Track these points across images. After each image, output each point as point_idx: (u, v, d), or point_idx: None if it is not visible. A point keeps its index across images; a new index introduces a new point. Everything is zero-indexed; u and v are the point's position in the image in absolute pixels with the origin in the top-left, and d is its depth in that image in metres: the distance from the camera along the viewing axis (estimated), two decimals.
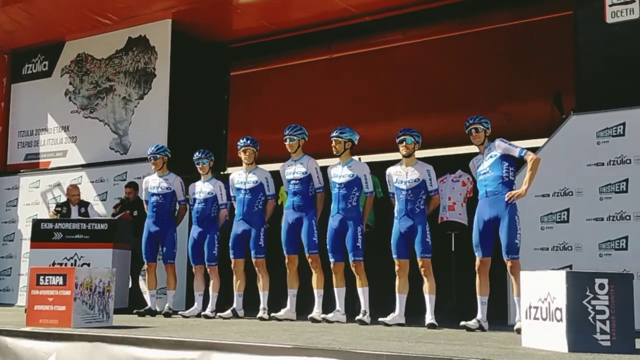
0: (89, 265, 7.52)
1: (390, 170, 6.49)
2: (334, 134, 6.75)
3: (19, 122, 11.21)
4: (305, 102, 11.43)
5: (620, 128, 6.60)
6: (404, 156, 6.38)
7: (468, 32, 9.73)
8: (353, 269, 6.57)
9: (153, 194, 7.69)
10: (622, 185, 6.50)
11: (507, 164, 5.83)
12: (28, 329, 5.33)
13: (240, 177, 7.28)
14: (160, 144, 8.11)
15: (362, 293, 6.54)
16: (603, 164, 6.62)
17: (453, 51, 10.26)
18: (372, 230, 7.23)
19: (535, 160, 5.76)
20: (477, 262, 5.86)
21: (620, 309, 4.00)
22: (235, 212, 7.32)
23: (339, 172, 6.69)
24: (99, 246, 7.85)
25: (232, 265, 7.27)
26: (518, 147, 5.83)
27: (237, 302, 7.22)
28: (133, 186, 8.97)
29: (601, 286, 4.00)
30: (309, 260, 6.82)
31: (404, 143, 6.33)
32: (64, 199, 9.56)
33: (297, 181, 6.90)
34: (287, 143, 6.96)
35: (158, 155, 7.76)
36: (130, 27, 10.14)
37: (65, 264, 7.66)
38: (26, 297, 6.56)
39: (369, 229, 7.00)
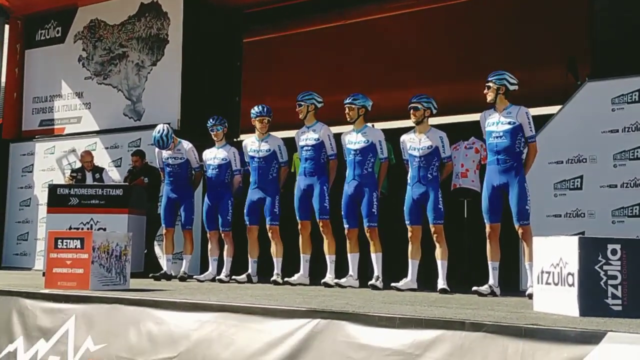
0: (104, 230, 7.61)
1: (404, 137, 6.49)
2: (347, 101, 6.74)
3: (33, 88, 11.27)
4: (318, 69, 11.39)
5: (635, 95, 6.55)
6: (414, 123, 6.38)
7: None
8: (367, 234, 6.61)
9: (168, 164, 7.74)
10: (637, 152, 6.47)
11: (520, 134, 5.81)
12: (47, 291, 5.42)
13: (254, 144, 7.31)
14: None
15: (376, 259, 6.60)
16: (618, 131, 6.59)
17: (467, 17, 10.16)
18: (385, 197, 7.26)
19: (536, 152, 5.86)
20: (487, 229, 5.89)
21: (632, 274, 4.01)
22: (250, 179, 7.37)
23: (354, 139, 6.70)
24: (114, 211, 7.94)
25: (247, 232, 7.34)
26: (533, 131, 5.81)
27: (251, 268, 7.31)
28: (139, 154, 9.00)
29: (613, 252, 4.01)
30: (320, 225, 6.87)
31: (413, 110, 6.34)
32: (79, 164, 9.64)
33: (310, 147, 6.93)
34: (297, 109, 6.98)
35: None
36: None
37: (82, 229, 7.76)
38: (44, 261, 6.66)
39: (382, 196, 7.02)
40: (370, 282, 6.46)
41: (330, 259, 6.87)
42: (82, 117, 10.63)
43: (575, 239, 4.11)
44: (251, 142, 7.35)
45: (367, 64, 11.16)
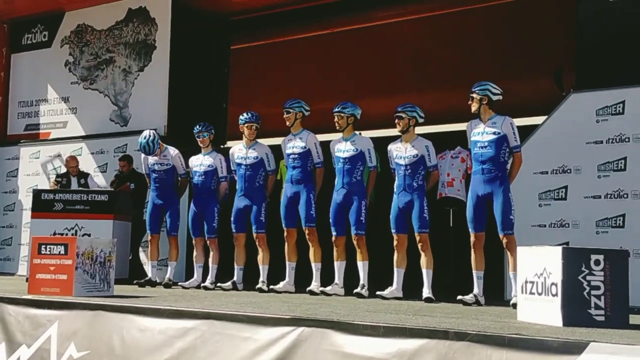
0: (89, 235, 7.56)
1: (390, 146, 6.53)
2: (336, 109, 6.76)
3: (19, 93, 11.20)
4: (306, 76, 11.39)
5: (619, 106, 6.61)
6: (399, 132, 6.41)
7: (470, 7, 9.68)
8: (355, 242, 6.62)
9: (154, 170, 7.71)
10: (621, 163, 6.53)
11: (505, 144, 5.84)
12: (30, 296, 5.38)
13: (241, 152, 7.30)
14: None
15: (362, 267, 6.61)
16: (602, 142, 6.64)
17: (454, 27, 10.22)
18: (371, 206, 7.27)
19: (520, 162, 5.90)
20: (472, 238, 5.92)
21: (615, 285, 4.05)
22: (237, 187, 7.36)
23: (343, 147, 6.71)
24: (99, 217, 7.90)
25: (234, 239, 7.33)
26: (517, 141, 5.85)
27: (237, 276, 7.30)
28: (127, 159, 8.97)
29: (597, 262, 4.05)
30: (306, 233, 6.87)
31: (397, 120, 6.37)
32: (64, 169, 9.59)
33: (296, 155, 6.93)
34: (284, 116, 6.99)
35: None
36: None
37: (66, 234, 7.71)
38: (27, 267, 6.62)
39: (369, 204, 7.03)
40: (355, 291, 6.47)
41: (315, 267, 6.87)
42: (68, 122, 10.57)
43: (559, 249, 4.14)
44: (238, 150, 7.35)
45: (354, 72, 11.19)
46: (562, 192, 6.79)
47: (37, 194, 8.31)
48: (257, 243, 7.19)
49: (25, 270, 7.99)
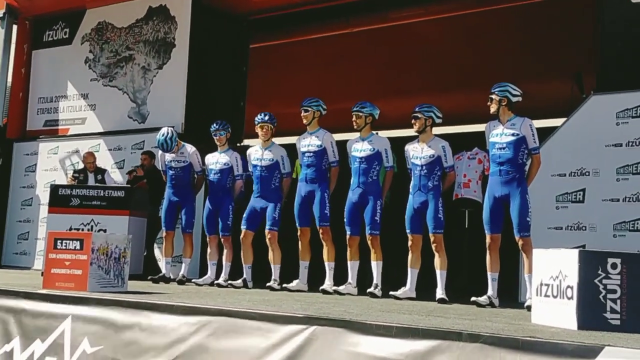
0: (105, 231, 7.61)
1: (407, 147, 6.50)
2: (354, 109, 6.74)
3: (39, 89, 11.30)
4: (324, 76, 11.40)
5: None
6: (416, 132, 6.38)
7: (490, 8, 9.63)
8: (369, 242, 6.60)
9: (170, 167, 7.74)
10: None
11: (524, 146, 5.80)
12: (44, 291, 5.40)
13: (257, 153, 7.30)
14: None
15: (376, 267, 6.58)
16: (621, 145, 6.57)
17: (474, 28, 10.17)
18: (386, 206, 7.24)
19: (539, 164, 5.85)
20: (488, 239, 5.88)
21: (631, 288, 3.98)
22: (253, 188, 7.36)
23: (360, 147, 6.69)
24: (115, 213, 7.94)
25: (242, 236, 7.29)
26: (536, 142, 5.80)
27: (246, 274, 7.29)
28: (149, 154, 9.01)
29: (613, 265, 3.99)
30: (320, 232, 6.85)
31: (414, 120, 6.35)
32: (81, 165, 9.66)
33: (312, 154, 6.92)
34: (302, 114, 6.98)
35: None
36: None
37: (82, 230, 7.77)
38: (43, 261, 6.66)
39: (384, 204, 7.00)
40: (368, 290, 6.44)
41: (329, 266, 6.85)
42: (87, 118, 10.65)
43: (576, 252, 4.09)
44: (255, 151, 7.35)
45: (372, 72, 11.17)
46: (579, 194, 6.72)
47: (54, 189, 8.38)
48: (268, 241, 7.17)
49: (41, 265, 8.04)
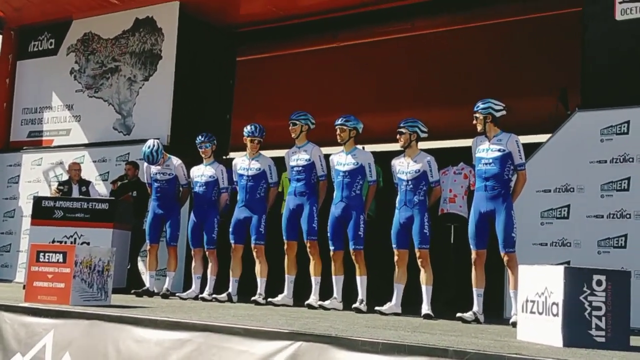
0: (88, 244, 7.53)
1: (394, 161, 6.51)
2: (338, 122, 6.75)
3: (24, 99, 11.22)
4: (310, 90, 11.41)
5: (624, 126, 6.59)
6: (401, 147, 6.40)
7: (475, 25, 9.71)
8: (353, 257, 6.58)
9: (156, 180, 7.70)
10: (624, 183, 6.50)
11: (510, 162, 5.82)
12: (26, 304, 5.34)
13: (244, 163, 7.28)
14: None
15: (361, 282, 6.56)
16: (606, 162, 6.62)
17: (460, 43, 10.23)
18: (372, 220, 7.24)
19: (525, 180, 5.86)
20: (473, 255, 5.88)
21: (616, 306, 4.00)
22: (237, 198, 7.33)
23: (343, 160, 6.69)
24: (99, 226, 7.87)
25: (232, 251, 7.28)
26: (522, 159, 5.83)
27: (232, 287, 7.25)
28: (133, 164, 8.96)
29: (599, 282, 4.00)
30: (307, 246, 6.83)
31: (399, 135, 6.36)
32: (65, 177, 9.58)
33: (301, 168, 6.91)
34: (290, 128, 6.98)
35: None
36: (138, 7, 10.13)
37: (65, 242, 7.67)
38: (25, 274, 6.58)
39: (369, 219, 7.00)
40: (354, 306, 6.42)
41: (315, 281, 6.82)
42: (72, 129, 10.58)
43: (561, 268, 4.10)
44: (241, 161, 7.33)
45: (359, 87, 11.20)
46: (564, 210, 6.75)
47: (37, 201, 8.29)
48: (254, 255, 7.14)
49: (23, 278, 7.95)
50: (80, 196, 8.71)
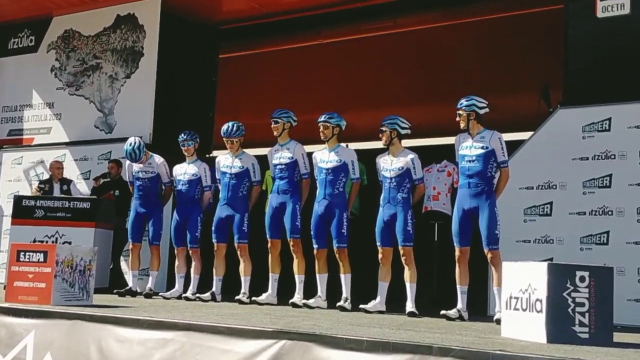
0: (70, 243, 7.46)
1: (378, 159, 6.50)
2: (321, 119, 6.72)
3: (3, 97, 11.07)
4: (293, 87, 11.37)
5: (606, 123, 6.63)
6: (384, 145, 6.39)
7: (458, 22, 9.73)
8: (337, 255, 6.56)
9: (138, 178, 7.64)
10: (606, 180, 6.54)
11: (493, 159, 5.83)
12: (7, 304, 5.28)
13: (227, 160, 7.24)
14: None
15: (345, 280, 6.55)
16: (588, 159, 6.65)
17: (443, 41, 10.25)
18: (356, 218, 7.23)
19: (507, 178, 5.87)
20: (457, 252, 5.89)
21: (599, 302, 4.02)
22: (220, 196, 7.29)
23: (326, 158, 6.67)
24: (80, 225, 7.79)
25: (215, 250, 7.24)
26: (505, 156, 5.84)
27: (216, 286, 7.21)
28: (116, 162, 8.88)
29: (582, 279, 4.02)
30: (291, 244, 6.80)
31: (380, 133, 6.36)
32: (46, 176, 9.48)
33: (283, 166, 6.88)
34: (272, 126, 6.94)
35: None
36: (119, 4, 10.03)
37: (46, 242, 7.60)
38: (5, 274, 6.49)
39: (353, 216, 7.00)
40: (338, 304, 6.41)
41: (299, 279, 6.80)
42: (52, 127, 10.46)
43: (545, 265, 4.12)
44: (224, 158, 7.29)
45: (342, 84, 11.18)
46: (547, 207, 6.78)
47: (18, 200, 8.19)
48: (238, 253, 7.11)
49: (3, 278, 7.84)
50: (62, 195, 8.62)
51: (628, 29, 6.70)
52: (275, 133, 6.95)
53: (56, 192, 8.76)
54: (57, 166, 9.05)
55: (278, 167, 6.91)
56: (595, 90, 6.77)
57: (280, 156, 6.91)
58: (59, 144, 10.24)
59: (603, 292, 4.04)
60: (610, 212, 6.48)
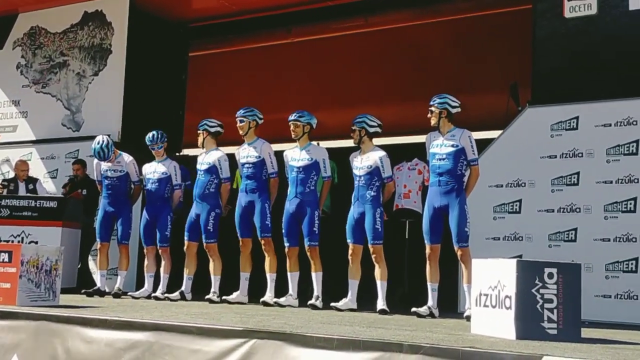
0: (36, 243, 7.33)
1: (351, 157, 6.50)
2: (292, 118, 6.70)
3: None
4: (264, 85, 11.33)
5: (574, 122, 6.71)
6: (355, 144, 6.40)
7: (429, 21, 9.77)
8: (308, 253, 6.55)
9: (106, 177, 7.54)
10: (574, 178, 6.62)
11: (463, 157, 5.87)
12: None
13: (200, 157, 7.23)
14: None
15: (316, 278, 6.53)
16: (556, 157, 6.73)
17: (413, 40, 10.29)
18: (328, 216, 7.22)
19: (477, 176, 5.91)
20: (427, 249, 5.92)
21: (567, 298, 4.06)
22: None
23: (297, 156, 6.64)
24: (47, 224, 7.67)
25: (185, 248, 7.18)
26: (475, 154, 5.88)
27: (185, 285, 7.15)
28: (81, 163, 8.76)
29: (550, 275, 4.06)
30: (262, 243, 6.77)
31: (352, 132, 6.37)
32: (12, 174, 9.30)
33: (250, 165, 6.85)
34: (237, 125, 6.90)
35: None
36: (87, 1, 9.89)
37: (12, 242, 7.46)
38: None
39: (324, 215, 6.98)
40: (309, 302, 6.39)
41: (270, 278, 6.77)
42: (18, 125, 10.27)
43: (514, 262, 4.14)
44: (200, 155, 7.26)
45: (313, 83, 11.17)
46: (516, 205, 6.84)
47: None
48: (208, 253, 7.06)
49: None
50: (28, 194, 8.47)
51: (595, 28, 6.79)
52: (241, 132, 6.91)
53: (22, 191, 8.61)
54: (22, 167, 8.87)
55: (245, 166, 6.88)
56: (563, 89, 6.85)
57: (248, 155, 6.87)
58: (25, 142, 10.06)
59: (571, 288, 4.08)
60: (578, 210, 6.56)
